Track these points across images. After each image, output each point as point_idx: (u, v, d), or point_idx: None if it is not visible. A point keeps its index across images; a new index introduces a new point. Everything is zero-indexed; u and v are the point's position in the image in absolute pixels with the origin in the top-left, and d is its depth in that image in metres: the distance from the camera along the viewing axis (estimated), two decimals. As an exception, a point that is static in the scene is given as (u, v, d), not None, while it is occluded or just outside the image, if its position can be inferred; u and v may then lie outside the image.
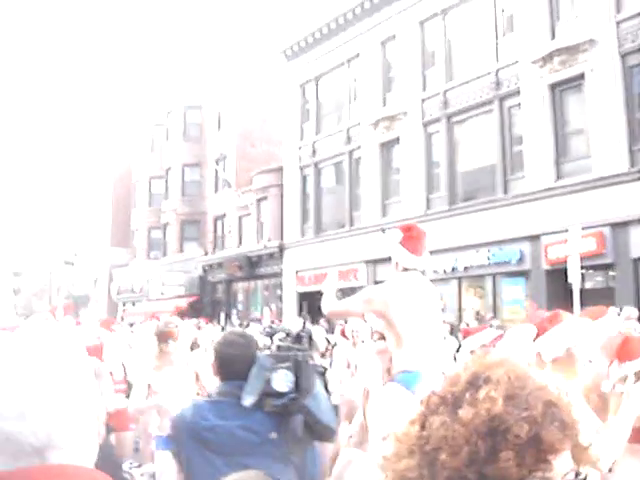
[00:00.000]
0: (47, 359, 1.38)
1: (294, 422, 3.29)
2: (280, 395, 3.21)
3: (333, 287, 5.52)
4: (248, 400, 3.20)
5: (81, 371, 1.43)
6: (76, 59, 66.05)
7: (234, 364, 3.40)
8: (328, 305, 5.47)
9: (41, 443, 1.31)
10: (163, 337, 7.37)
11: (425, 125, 24.56)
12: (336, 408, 3.66)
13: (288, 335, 3.55)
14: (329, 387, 3.71)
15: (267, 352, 3.50)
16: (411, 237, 5.37)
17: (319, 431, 3.38)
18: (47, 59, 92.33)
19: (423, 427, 1.32)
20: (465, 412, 1.27)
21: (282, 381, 3.22)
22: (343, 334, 10.36)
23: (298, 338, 3.63)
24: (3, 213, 68.33)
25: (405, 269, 5.25)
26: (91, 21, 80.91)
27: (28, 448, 1.31)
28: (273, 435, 3.25)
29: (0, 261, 67.59)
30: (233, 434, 3.19)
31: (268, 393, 3.21)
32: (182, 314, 30.47)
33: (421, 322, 4.97)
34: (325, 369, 3.75)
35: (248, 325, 26.38)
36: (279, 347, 3.49)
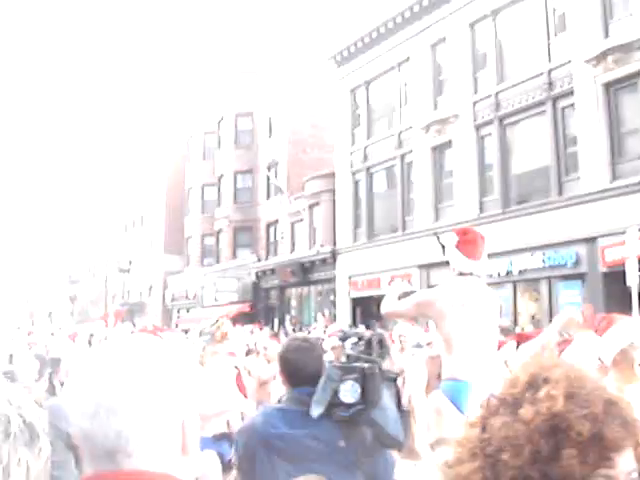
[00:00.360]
0: (136, 364, 1.39)
1: (362, 431, 3.33)
2: (347, 406, 3.22)
3: (398, 289, 5.48)
4: (316, 411, 3.23)
5: (170, 378, 1.42)
6: (127, 68, 67.04)
7: (301, 370, 3.44)
8: (385, 305, 5.44)
9: (111, 444, 1.32)
10: (215, 338, 7.38)
11: (477, 128, 24.37)
12: (406, 415, 3.63)
13: (360, 339, 3.50)
14: (401, 394, 3.68)
15: (334, 362, 3.50)
16: (467, 241, 5.28)
17: (386, 441, 3.40)
18: (94, 68, 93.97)
19: (484, 429, 1.33)
20: (526, 411, 1.27)
21: (349, 392, 3.24)
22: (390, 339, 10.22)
23: (369, 343, 3.59)
24: (59, 222, 69.65)
25: (461, 273, 5.17)
26: (140, 30, 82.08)
27: (100, 449, 1.32)
28: (341, 444, 3.28)
29: (57, 269, 68.95)
30: (302, 442, 3.23)
31: (335, 404, 3.23)
32: (235, 320, 30.67)
33: (473, 328, 4.88)
34: (397, 375, 3.71)
35: (302, 330, 26.39)
36: (348, 357, 3.47)
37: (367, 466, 3.30)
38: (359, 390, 3.23)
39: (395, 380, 3.53)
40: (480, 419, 1.36)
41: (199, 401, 1.48)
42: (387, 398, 3.39)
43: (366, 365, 3.32)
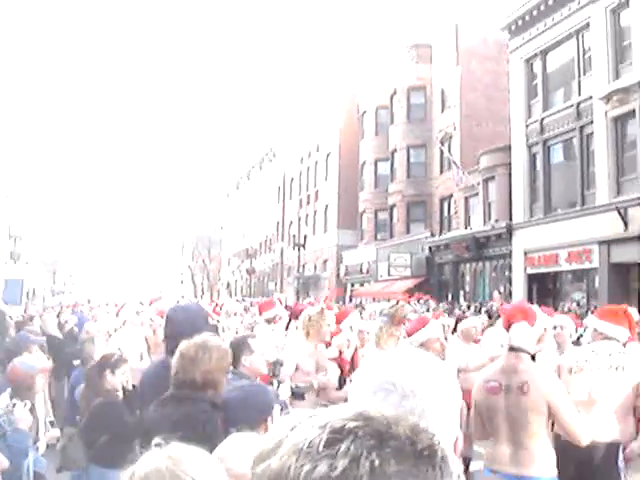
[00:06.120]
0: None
1: None
2: None
3: None
4: None
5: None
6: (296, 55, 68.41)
7: None
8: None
9: None
10: (397, 321, 7.36)
11: (663, 96, 23.04)
12: None
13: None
14: None
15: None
16: None
17: None
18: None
19: None
20: None
21: None
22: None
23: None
24: (238, 198, 72.46)
25: None
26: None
27: None
28: None
29: (235, 244, 71.75)
30: None
31: None
32: (409, 295, 30.78)
33: None
34: None
35: (476, 306, 26.10)
36: None
37: None
38: None
39: None
40: None
41: None
42: None
43: None
